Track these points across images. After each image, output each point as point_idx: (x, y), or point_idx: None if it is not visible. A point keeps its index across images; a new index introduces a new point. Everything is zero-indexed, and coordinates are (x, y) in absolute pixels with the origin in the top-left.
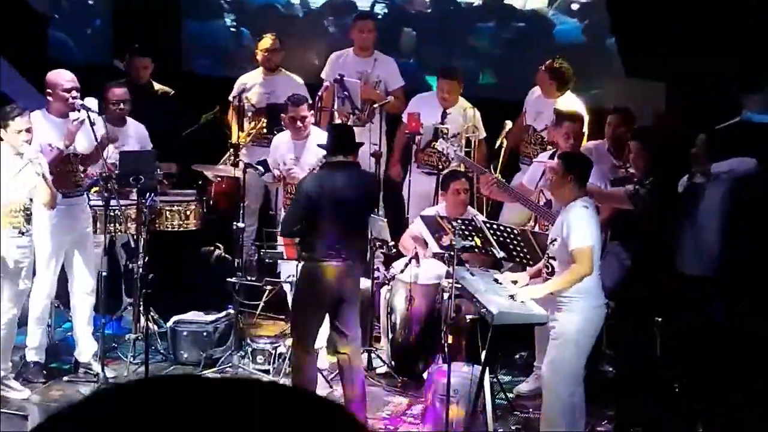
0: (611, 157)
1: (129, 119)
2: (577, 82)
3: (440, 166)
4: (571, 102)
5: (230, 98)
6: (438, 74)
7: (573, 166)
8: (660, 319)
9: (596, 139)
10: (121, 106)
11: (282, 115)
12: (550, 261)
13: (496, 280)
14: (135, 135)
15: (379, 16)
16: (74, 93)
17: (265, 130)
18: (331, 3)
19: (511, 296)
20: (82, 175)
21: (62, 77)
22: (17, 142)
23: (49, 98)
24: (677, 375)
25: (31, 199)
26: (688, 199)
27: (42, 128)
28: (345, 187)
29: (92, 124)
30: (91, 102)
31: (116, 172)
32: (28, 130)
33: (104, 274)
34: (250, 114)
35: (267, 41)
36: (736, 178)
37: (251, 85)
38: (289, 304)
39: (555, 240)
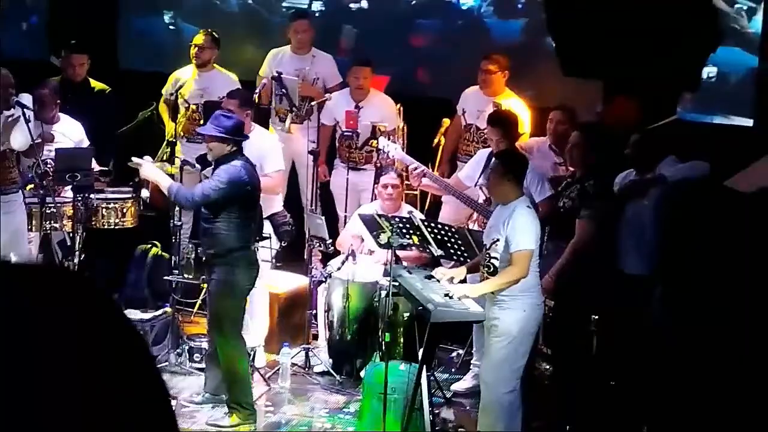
0: (553, 154)
1: (63, 116)
2: (516, 81)
3: (376, 164)
4: (509, 101)
5: (163, 92)
6: (352, 63)
7: (511, 165)
8: (597, 317)
9: (539, 136)
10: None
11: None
12: (492, 261)
13: (430, 277)
14: (69, 132)
15: (317, 14)
16: (10, 90)
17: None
18: None
19: (447, 294)
20: (17, 172)
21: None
22: None
23: None
24: (613, 372)
25: None
26: (628, 198)
27: None
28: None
29: (27, 120)
30: (26, 98)
31: (52, 169)
32: None
33: None
34: (183, 110)
35: (199, 37)
36: (685, 181)
37: (185, 80)
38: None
39: (497, 240)
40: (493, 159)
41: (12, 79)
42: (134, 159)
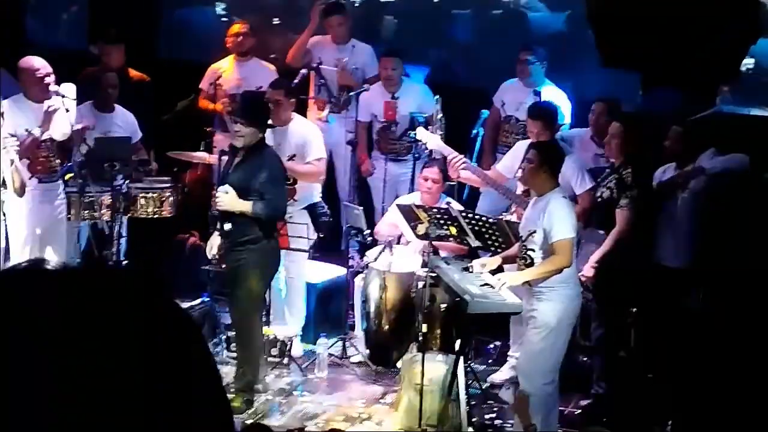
0: (594, 145)
1: (117, 106)
2: (556, 71)
3: (414, 155)
4: (549, 92)
5: (201, 86)
6: (380, 55)
7: (547, 156)
8: (635, 310)
9: (580, 127)
10: (110, 92)
11: None
12: (528, 252)
13: (467, 268)
14: (123, 122)
15: (356, 5)
16: (49, 78)
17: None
18: None
19: (487, 284)
20: (58, 161)
21: (36, 63)
22: None
23: (24, 84)
24: (651, 365)
25: (3, 185)
26: (668, 190)
27: (17, 114)
28: None
29: (67, 110)
30: (68, 88)
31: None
32: (0, 116)
33: (77, 261)
34: (222, 101)
35: (237, 26)
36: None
37: (223, 71)
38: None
39: (534, 231)
40: (530, 149)
41: (50, 69)
42: (219, 189)
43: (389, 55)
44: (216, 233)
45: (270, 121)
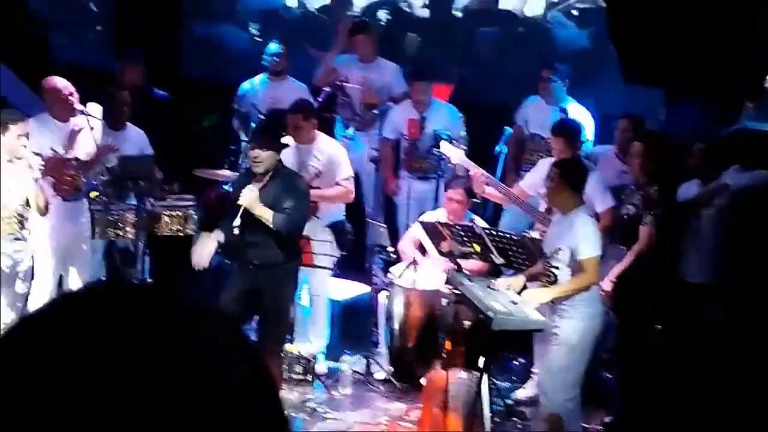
0: (619, 162)
1: (129, 124)
2: (580, 88)
3: (438, 173)
4: (572, 111)
5: (233, 102)
6: (409, 77)
7: (569, 173)
8: (660, 327)
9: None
10: (123, 110)
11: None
12: (552, 270)
13: (489, 287)
14: (134, 140)
15: (382, 23)
16: (73, 97)
17: None
18: (329, 6)
19: (511, 301)
20: (83, 180)
21: (60, 83)
22: (15, 146)
23: (48, 104)
24: (675, 381)
25: (27, 205)
26: (693, 207)
27: (43, 133)
28: None
29: (92, 129)
30: (94, 108)
31: (115, 176)
32: (26, 135)
33: (102, 278)
34: (253, 119)
35: (274, 46)
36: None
37: (256, 90)
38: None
39: (560, 249)
40: (553, 167)
41: (73, 89)
42: (246, 188)
43: (420, 78)
44: (205, 236)
45: (292, 141)
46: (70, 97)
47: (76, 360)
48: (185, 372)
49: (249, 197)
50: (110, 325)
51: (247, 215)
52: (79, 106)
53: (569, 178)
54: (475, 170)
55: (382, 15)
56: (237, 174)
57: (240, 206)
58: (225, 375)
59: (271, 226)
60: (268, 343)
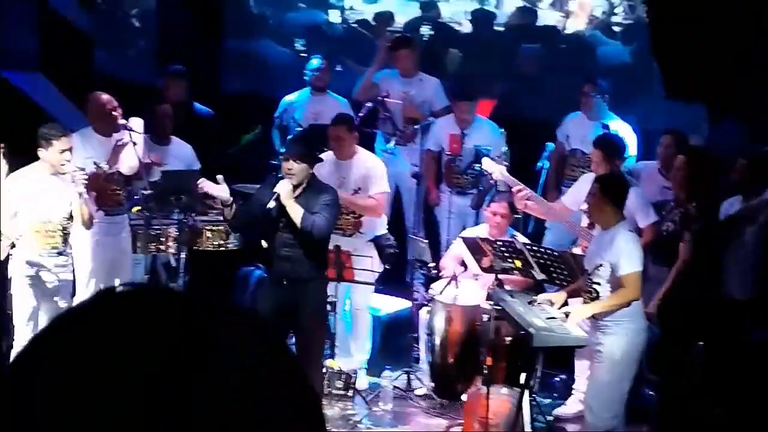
0: (661, 178)
1: (174, 138)
2: (621, 104)
3: (480, 188)
4: (614, 126)
5: (275, 117)
6: (453, 96)
7: (610, 189)
8: (702, 344)
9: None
10: (165, 124)
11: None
12: (594, 286)
13: (532, 301)
14: (179, 154)
15: (425, 38)
16: (116, 112)
17: None
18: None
19: (552, 317)
20: (125, 195)
21: (103, 98)
22: (58, 161)
23: (92, 119)
24: (719, 400)
25: (69, 219)
26: (736, 224)
27: (86, 147)
28: None
29: (134, 144)
30: (137, 123)
31: (158, 190)
32: (70, 150)
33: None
34: (293, 133)
35: (316, 61)
36: None
37: (298, 104)
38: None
39: (601, 265)
40: (594, 183)
41: (116, 104)
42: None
43: (464, 98)
44: None
45: (332, 156)
46: (113, 112)
47: (97, 362)
48: (213, 374)
49: (285, 187)
50: (135, 327)
51: (280, 217)
52: (122, 121)
53: (610, 194)
54: (517, 186)
55: (425, 30)
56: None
57: (275, 193)
58: (259, 377)
59: (299, 224)
60: (304, 359)
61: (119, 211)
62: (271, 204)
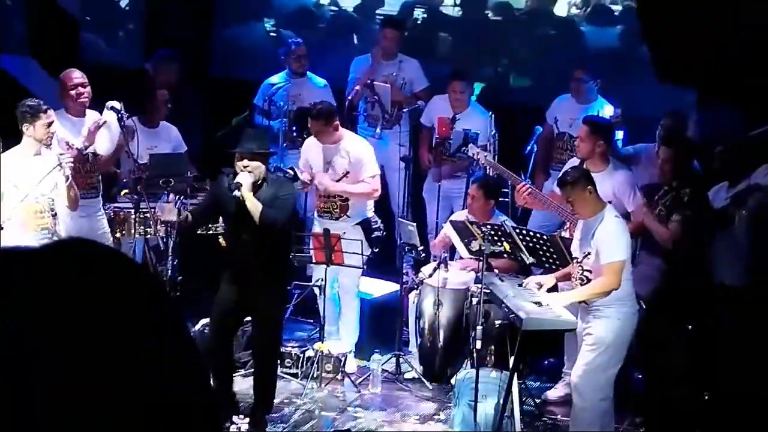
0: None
1: (162, 121)
2: (609, 88)
3: (469, 171)
4: (602, 109)
5: (254, 101)
6: (449, 77)
7: (590, 178)
8: (690, 327)
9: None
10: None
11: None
12: (585, 274)
13: (521, 285)
14: (168, 137)
15: (418, 22)
16: (81, 90)
17: (294, 134)
18: (362, 5)
19: (537, 303)
20: (99, 177)
21: (71, 76)
22: (44, 135)
23: (63, 97)
24: (707, 383)
25: (53, 199)
26: (725, 209)
27: (59, 127)
28: None
29: (122, 125)
30: (114, 104)
31: (146, 174)
32: (50, 125)
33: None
34: (276, 116)
35: (294, 43)
36: None
37: (277, 88)
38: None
39: (589, 253)
40: (560, 186)
41: (82, 81)
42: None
43: (458, 78)
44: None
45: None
46: (79, 89)
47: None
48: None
49: (246, 179)
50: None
51: (239, 212)
52: (111, 103)
53: (590, 182)
54: (513, 179)
55: (417, 14)
56: None
57: (238, 183)
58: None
59: (257, 218)
60: (259, 353)
61: (92, 194)
62: (237, 193)
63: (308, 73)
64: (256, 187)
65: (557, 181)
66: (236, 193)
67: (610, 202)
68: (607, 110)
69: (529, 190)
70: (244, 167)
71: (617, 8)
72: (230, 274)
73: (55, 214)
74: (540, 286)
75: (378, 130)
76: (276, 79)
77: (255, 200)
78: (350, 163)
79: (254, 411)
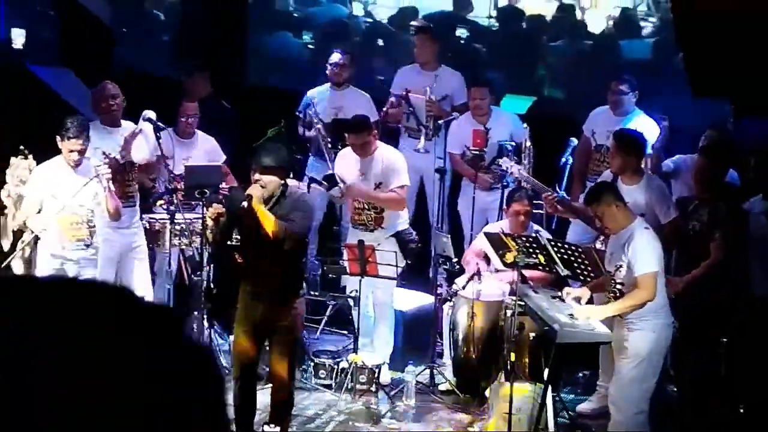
0: None
1: (198, 132)
2: (645, 100)
3: (503, 183)
4: (641, 122)
5: (297, 112)
6: (469, 84)
7: (616, 192)
8: (725, 340)
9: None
10: (189, 120)
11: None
12: (618, 287)
13: (555, 297)
14: (203, 148)
15: (462, 41)
16: (112, 102)
17: (329, 145)
18: (396, 16)
19: (571, 314)
20: (136, 187)
21: (104, 87)
22: (67, 157)
23: (96, 109)
24: (743, 396)
25: (93, 211)
26: (760, 221)
27: (94, 138)
28: None
29: (158, 135)
30: (150, 114)
31: (182, 185)
32: (79, 152)
33: (169, 287)
34: (317, 128)
35: (336, 56)
36: None
37: (319, 99)
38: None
39: (620, 266)
40: (586, 199)
41: (115, 92)
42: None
43: (478, 84)
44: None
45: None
46: (110, 101)
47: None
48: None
49: (256, 192)
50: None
51: (252, 226)
52: (147, 113)
53: (619, 198)
54: (544, 189)
55: (461, 32)
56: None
57: (249, 195)
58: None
59: (270, 231)
60: (276, 371)
61: (129, 204)
62: (244, 204)
63: (350, 85)
64: (270, 201)
65: (584, 198)
66: (244, 204)
67: (643, 215)
68: (644, 121)
69: (557, 198)
70: (256, 181)
71: (653, 20)
72: (246, 293)
73: (93, 225)
74: (578, 299)
75: (421, 143)
76: (317, 90)
77: (268, 213)
78: (383, 173)
79: (271, 421)
